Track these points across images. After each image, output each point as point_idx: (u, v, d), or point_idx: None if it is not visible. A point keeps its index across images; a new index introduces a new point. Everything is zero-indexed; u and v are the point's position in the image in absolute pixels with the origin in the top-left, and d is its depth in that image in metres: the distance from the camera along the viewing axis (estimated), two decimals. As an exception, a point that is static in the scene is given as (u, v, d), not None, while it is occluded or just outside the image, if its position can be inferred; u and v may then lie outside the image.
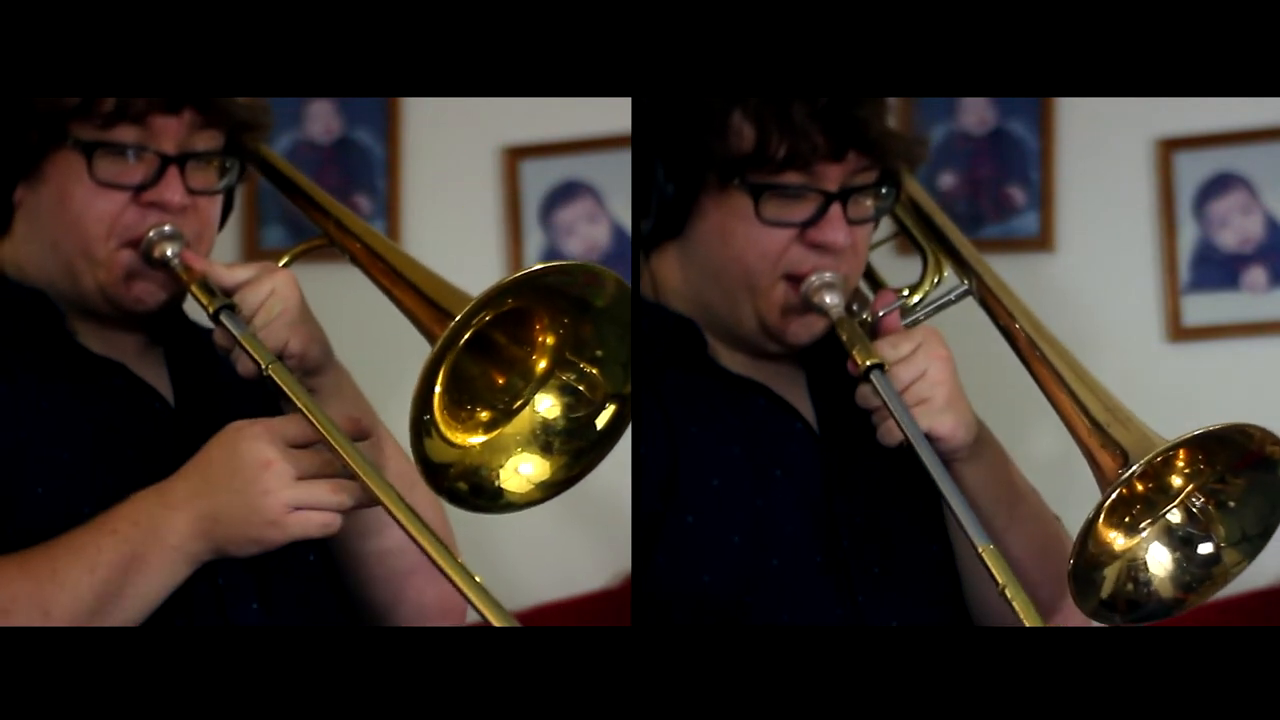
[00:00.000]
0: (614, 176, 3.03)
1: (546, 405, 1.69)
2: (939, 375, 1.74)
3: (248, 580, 1.70)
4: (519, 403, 1.69)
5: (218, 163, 1.75)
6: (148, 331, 1.80)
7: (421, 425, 1.59)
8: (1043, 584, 1.75)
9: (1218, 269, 3.02)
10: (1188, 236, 3.03)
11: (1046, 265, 3.03)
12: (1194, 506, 1.73)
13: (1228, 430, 1.66)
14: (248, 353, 1.66)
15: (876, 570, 1.80)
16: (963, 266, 1.88)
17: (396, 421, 1.62)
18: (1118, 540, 1.72)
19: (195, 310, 1.75)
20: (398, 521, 1.58)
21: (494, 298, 1.58)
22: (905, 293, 1.87)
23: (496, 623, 1.53)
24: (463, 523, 1.77)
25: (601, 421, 1.69)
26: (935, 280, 1.88)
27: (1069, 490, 1.85)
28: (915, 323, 1.85)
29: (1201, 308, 3.02)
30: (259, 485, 1.60)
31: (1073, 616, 1.73)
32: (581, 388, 1.69)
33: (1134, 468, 1.64)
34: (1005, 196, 3.06)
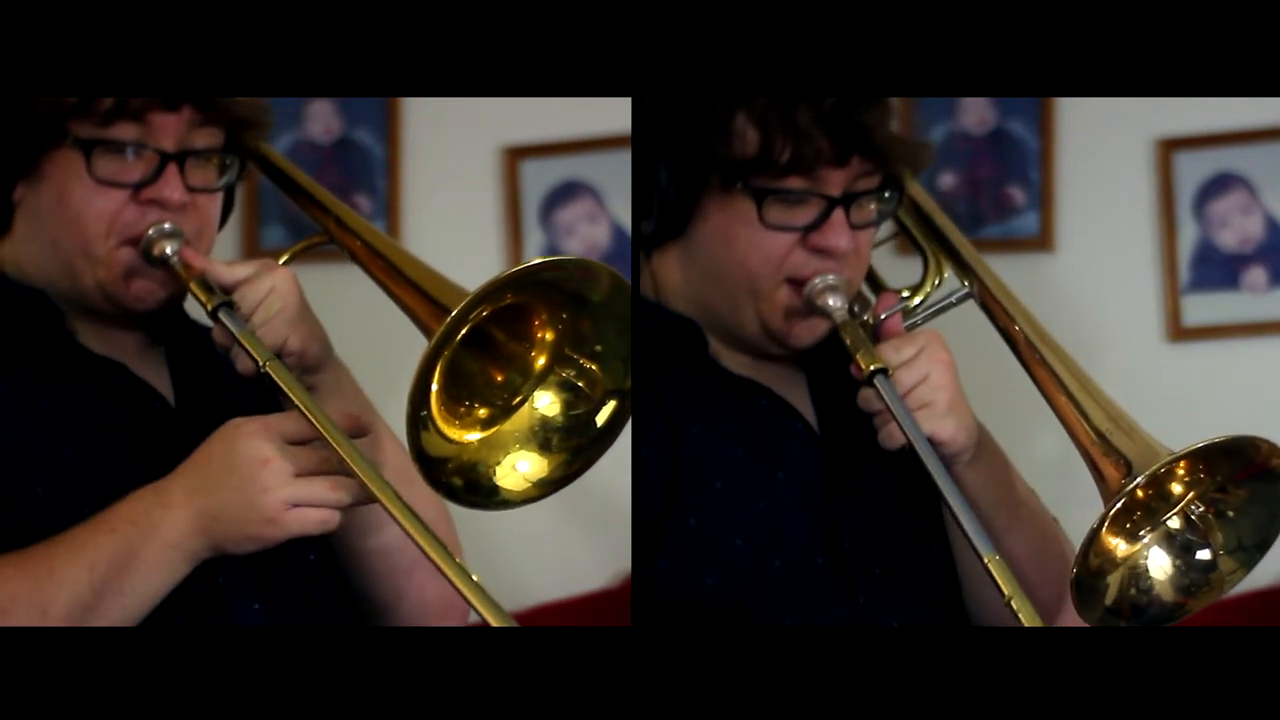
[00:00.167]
0: (614, 176, 3.03)
1: (545, 402, 1.69)
2: (941, 380, 1.75)
3: (248, 580, 1.70)
4: (518, 399, 1.69)
5: (217, 160, 1.75)
6: (148, 331, 1.80)
7: (418, 419, 1.59)
8: (1042, 585, 1.76)
9: (1218, 269, 3.02)
10: (1188, 236, 3.03)
11: (1046, 265, 3.03)
12: (1193, 514, 1.72)
13: (1236, 442, 1.66)
14: (246, 350, 1.66)
15: (877, 571, 1.80)
16: (963, 268, 1.88)
17: (396, 419, 1.62)
18: (1120, 547, 1.72)
19: (196, 309, 1.75)
20: (394, 518, 1.58)
21: (491, 293, 1.58)
22: (905, 294, 1.87)
23: (494, 622, 1.52)
24: (463, 522, 1.77)
25: (601, 418, 1.69)
26: (936, 282, 1.88)
27: (1069, 493, 1.85)
28: (916, 325, 1.85)
29: (1201, 308, 3.02)
30: (257, 482, 1.60)
31: (1073, 621, 1.73)
32: (581, 384, 1.69)
33: (1139, 479, 1.64)
34: (1005, 196, 3.06)
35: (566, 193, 3.09)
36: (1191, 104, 2.96)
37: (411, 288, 1.67)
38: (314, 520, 1.61)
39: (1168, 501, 1.72)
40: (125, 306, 1.74)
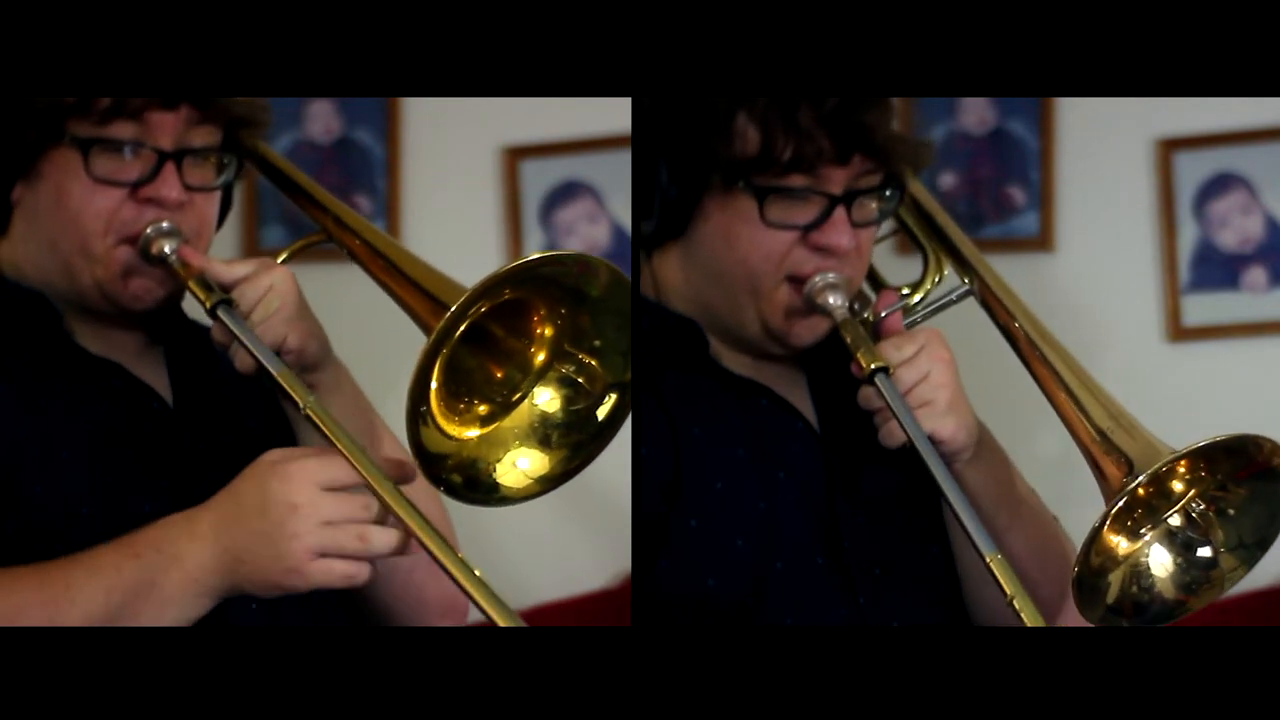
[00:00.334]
0: (614, 176, 3.04)
1: (545, 398, 1.69)
2: (941, 378, 1.74)
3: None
4: (518, 396, 1.69)
5: (215, 159, 1.75)
6: (146, 331, 1.80)
7: (418, 416, 1.59)
8: (1043, 584, 1.76)
9: (1218, 269, 3.02)
10: (1188, 236, 3.03)
11: (1046, 265, 3.03)
12: (1194, 512, 1.72)
13: (1238, 440, 1.66)
14: (247, 349, 1.66)
15: (877, 571, 1.80)
16: (964, 266, 1.88)
17: (396, 417, 1.61)
18: (1121, 545, 1.71)
19: (193, 309, 1.75)
20: (431, 555, 1.55)
21: (490, 288, 1.58)
22: (905, 292, 1.87)
23: (502, 623, 1.52)
24: (462, 522, 1.77)
25: (601, 413, 1.68)
26: (936, 279, 1.88)
27: (1069, 491, 1.85)
28: (915, 323, 1.85)
29: (1201, 308, 3.02)
30: (286, 529, 1.56)
31: (1073, 619, 1.73)
32: (580, 380, 1.69)
33: (1140, 478, 1.64)
34: (1005, 196, 3.06)
35: (566, 193, 3.09)
36: (1191, 104, 2.96)
37: (410, 285, 1.67)
38: (339, 573, 1.57)
39: (1169, 500, 1.72)
40: (123, 305, 1.74)
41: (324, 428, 1.60)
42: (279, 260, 1.76)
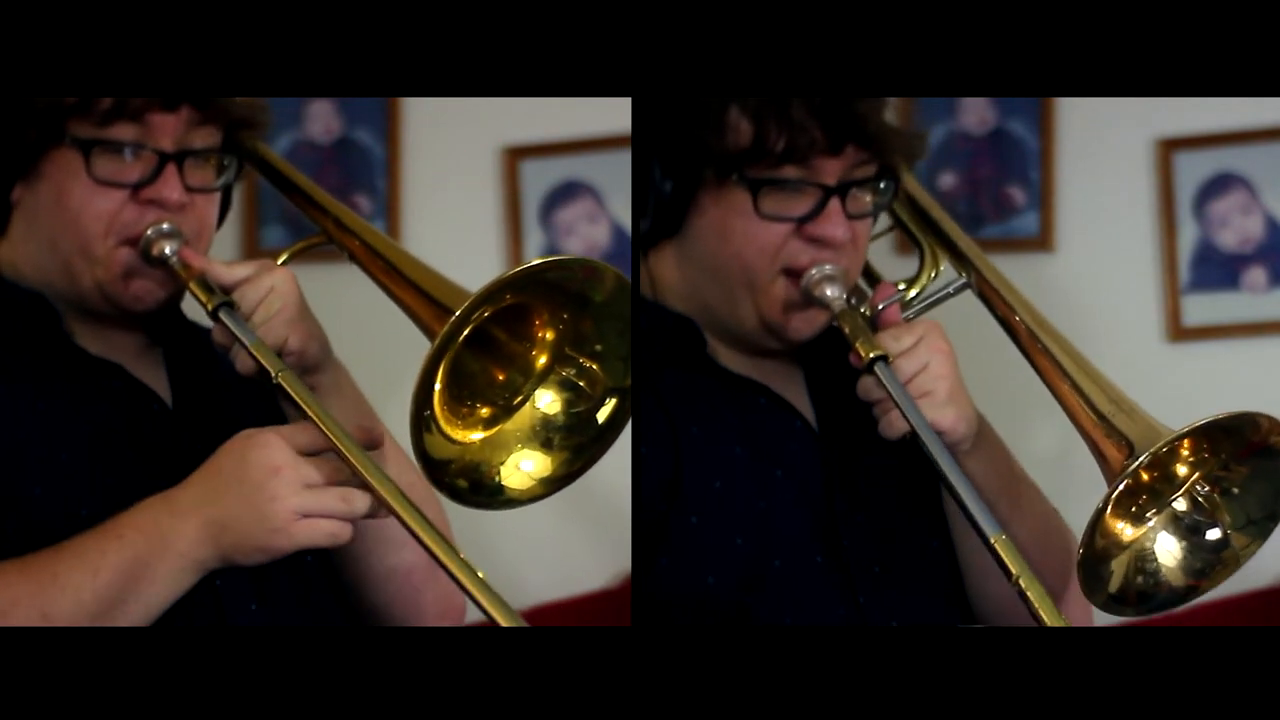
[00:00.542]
0: (614, 176, 3.03)
1: (547, 401, 1.69)
2: (941, 369, 1.74)
3: (246, 580, 1.70)
4: (519, 399, 1.69)
5: (215, 160, 1.75)
6: (146, 332, 1.80)
7: (421, 421, 1.59)
8: (1044, 574, 1.74)
9: (1218, 269, 3.02)
10: (1188, 236, 3.03)
11: (1046, 265, 3.03)
12: (1199, 494, 1.72)
13: (1237, 419, 1.66)
14: (249, 352, 1.66)
15: (877, 569, 1.80)
16: (960, 260, 1.88)
17: (397, 420, 1.61)
18: (1125, 531, 1.71)
19: (194, 310, 1.75)
20: (409, 529, 1.56)
21: (493, 293, 1.58)
22: (902, 286, 1.86)
23: (503, 623, 1.52)
24: (462, 522, 1.77)
25: (602, 416, 1.69)
26: (933, 274, 1.88)
27: (1069, 484, 1.85)
28: (913, 316, 1.84)
29: (1201, 308, 3.02)
30: (266, 491, 1.58)
31: (1075, 608, 1.73)
32: (582, 383, 1.69)
33: (1142, 458, 1.63)
34: (1005, 196, 3.06)
35: (566, 193, 3.09)
36: (1191, 104, 2.96)
37: (411, 288, 1.67)
38: (323, 531, 1.59)
39: (1172, 484, 1.72)
40: (124, 307, 1.74)
41: (295, 396, 1.62)
42: (279, 261, 1.76)
